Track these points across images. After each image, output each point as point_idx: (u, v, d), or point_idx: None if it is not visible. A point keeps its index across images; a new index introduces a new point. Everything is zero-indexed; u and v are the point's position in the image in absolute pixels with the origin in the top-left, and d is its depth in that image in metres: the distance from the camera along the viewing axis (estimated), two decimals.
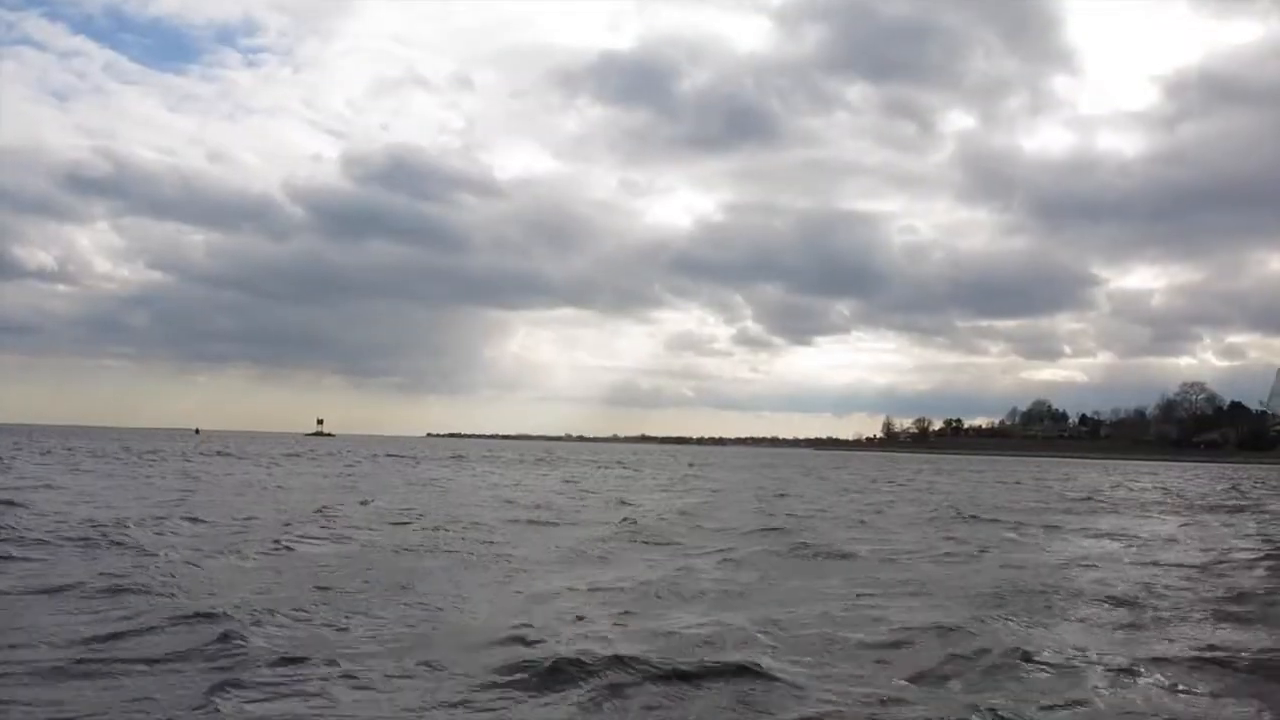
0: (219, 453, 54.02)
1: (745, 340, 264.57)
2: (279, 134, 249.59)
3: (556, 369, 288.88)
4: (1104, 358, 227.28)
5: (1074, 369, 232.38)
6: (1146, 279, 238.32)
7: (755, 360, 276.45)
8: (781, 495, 28.30)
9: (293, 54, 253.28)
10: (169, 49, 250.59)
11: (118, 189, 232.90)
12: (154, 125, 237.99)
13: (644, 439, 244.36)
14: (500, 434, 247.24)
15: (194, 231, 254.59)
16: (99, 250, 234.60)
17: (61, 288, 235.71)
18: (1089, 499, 29.75)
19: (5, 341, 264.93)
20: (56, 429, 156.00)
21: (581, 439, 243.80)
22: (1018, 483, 42.60)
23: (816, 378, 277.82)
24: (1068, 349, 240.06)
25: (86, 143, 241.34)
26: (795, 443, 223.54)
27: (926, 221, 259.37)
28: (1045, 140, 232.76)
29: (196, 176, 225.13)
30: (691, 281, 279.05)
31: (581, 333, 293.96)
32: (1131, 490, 37.47)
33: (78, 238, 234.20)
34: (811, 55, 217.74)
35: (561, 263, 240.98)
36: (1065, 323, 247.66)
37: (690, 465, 61.33)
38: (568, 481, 33.64)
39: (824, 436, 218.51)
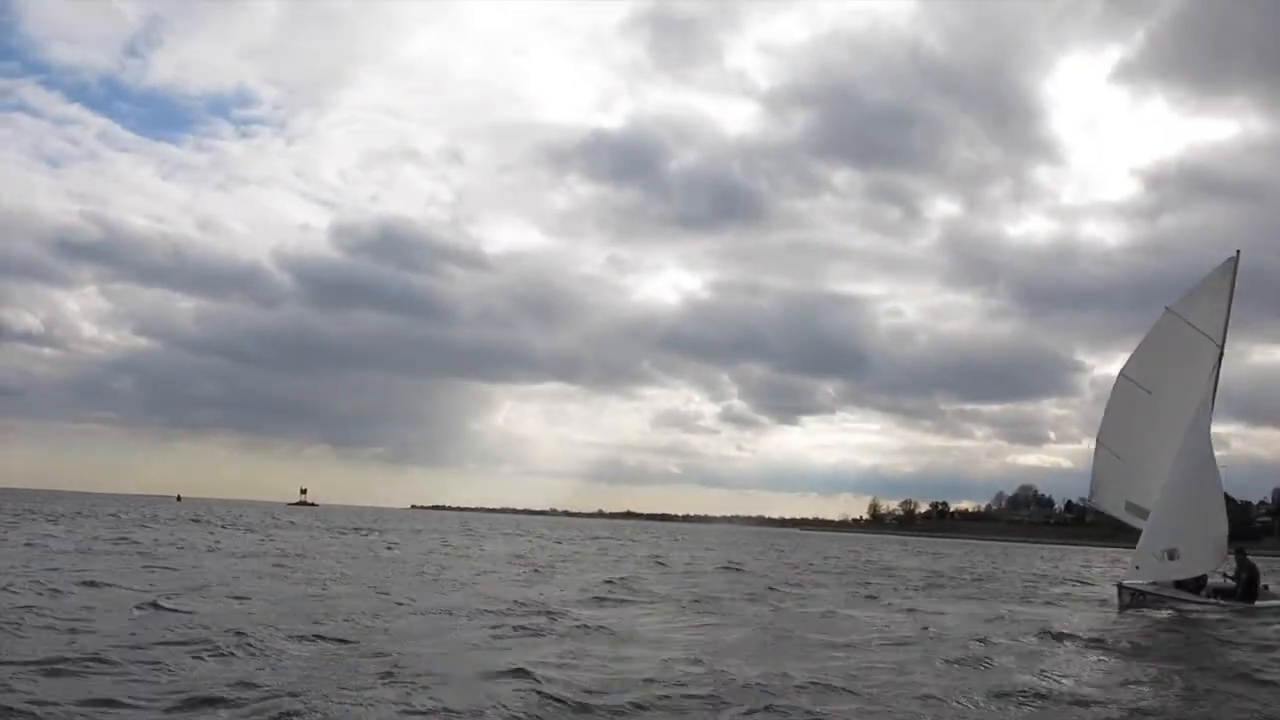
0: (143, 520, 52.77)
1: (731, 418, 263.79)
2: (270, 204, 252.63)
3: (542, 443, 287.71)
4: (1089, 444, 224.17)
5: (1059, 455, 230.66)
6: None
7: (741, 438, 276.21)
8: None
9: (286, 126, 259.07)
10: (163, 118, 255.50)
11: (107, 254, 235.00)
12: (146, 193, 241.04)
13: (629, 515, 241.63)
14: (484, 507, 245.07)
15: (182, 298, 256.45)
16: (86, 315, 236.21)
17: (47, 351, 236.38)
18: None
19: None
20: (36, 493, 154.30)
21: (566, 514, 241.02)
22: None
23: (803, 457, 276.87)
24: (1053, 435, 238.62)
25: (77, 208, 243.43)
26: (782, 522, 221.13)
27: (912, 304, 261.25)
28: (1029, 228, 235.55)
29: (187, 244, 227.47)
30: (679, 358, 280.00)
31: (567, 407, 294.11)
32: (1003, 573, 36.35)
33: (65, 302, 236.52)
34: (798, 139, 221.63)
35: (548, 337, 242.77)
36: (1050, 408, 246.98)
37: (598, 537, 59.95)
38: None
39: (810, 516, 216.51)
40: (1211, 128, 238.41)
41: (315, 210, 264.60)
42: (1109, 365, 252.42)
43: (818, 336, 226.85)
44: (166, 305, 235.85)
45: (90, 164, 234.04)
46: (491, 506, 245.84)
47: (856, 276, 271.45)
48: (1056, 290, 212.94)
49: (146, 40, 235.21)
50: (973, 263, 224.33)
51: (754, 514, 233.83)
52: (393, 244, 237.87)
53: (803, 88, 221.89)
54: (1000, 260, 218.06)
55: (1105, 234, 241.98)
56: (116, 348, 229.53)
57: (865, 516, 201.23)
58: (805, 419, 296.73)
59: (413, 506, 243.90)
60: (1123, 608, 21.30)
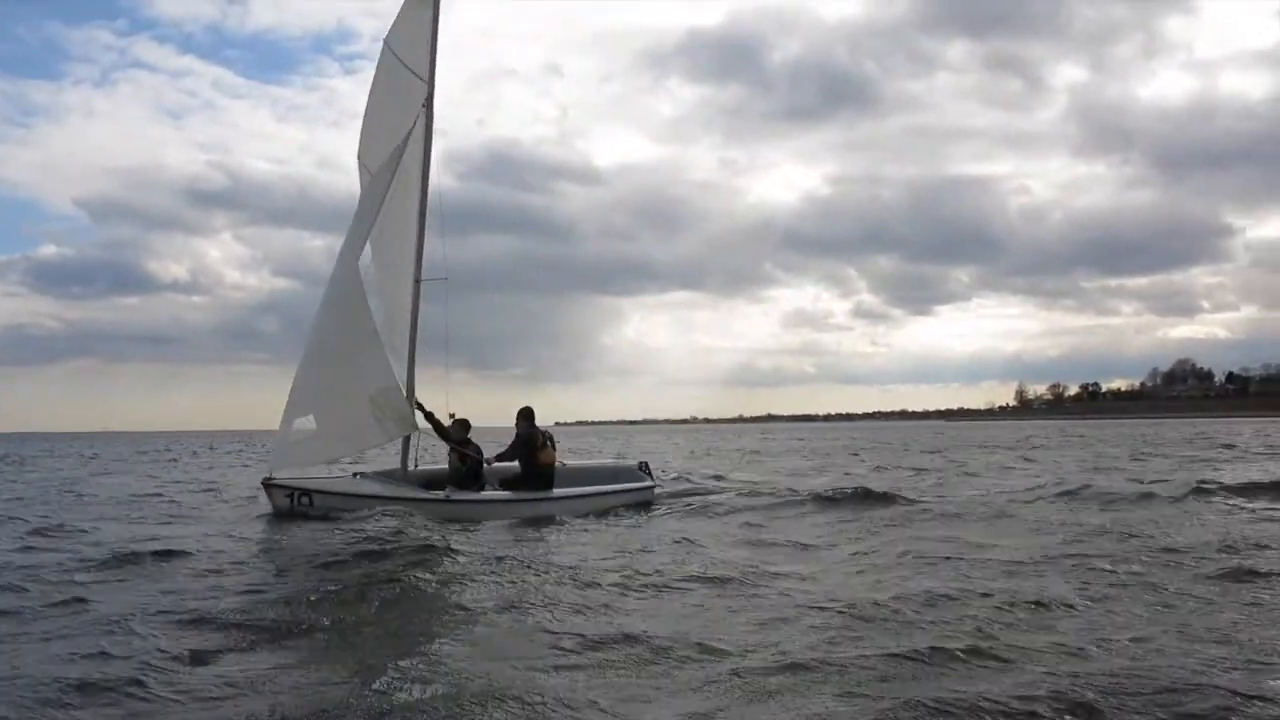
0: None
1: (863, 314, 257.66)
2: None
3: (675, 352, 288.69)
4: (1247, 311, 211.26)
5: (1215, 325, 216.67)
6: None
7: (875, 333, 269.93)
8: None
9: None
10: (271, 61, 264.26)
11: (237, 200, 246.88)
12: (265, 136, 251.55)
13: (770, 418, 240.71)
14: (626, 419, 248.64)
15: (313, 237, 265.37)
16: (227, 261, 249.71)
17: (196, 298, 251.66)
18: None
19: (150, 352, 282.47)
20: (209, 434, 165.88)
21: (707, 421, 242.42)
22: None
23: (941, 348, 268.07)
24: (1206, 304, 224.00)
25: (203, 157, 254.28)
26: (925, 415, 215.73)
27: (1042, 181, 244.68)
28: (1162, 87, 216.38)
29: (309, 183, 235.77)
30: (802, 257, 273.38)
31: (696, 315, 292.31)
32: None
33: (206, 250, 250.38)
34: (905, 16, 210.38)
35: (669, 246, 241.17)
36: (1201, 277, 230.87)
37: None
38: None
39: (954, 407, 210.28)
40: None
41: None
42: (1262, 227, 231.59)
43: (945, 222, 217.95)
44: (299, 245, 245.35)
45: (209, 113, 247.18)
46: (632, 418, 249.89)
47: (980, 156, 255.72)
48: (1197, 151, 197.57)
49: None
50: (1104, 130, 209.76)
51: (896, 409, 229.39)
52: (503, 166, 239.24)
53: None
54: (1133, 125, 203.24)
55: (1248, 85, 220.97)
56: (259, 290, 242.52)
57: (1012, 403, 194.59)
58: (940, 308, 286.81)
59: (556, 424, 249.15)
60: (280, 513, 13.12)
